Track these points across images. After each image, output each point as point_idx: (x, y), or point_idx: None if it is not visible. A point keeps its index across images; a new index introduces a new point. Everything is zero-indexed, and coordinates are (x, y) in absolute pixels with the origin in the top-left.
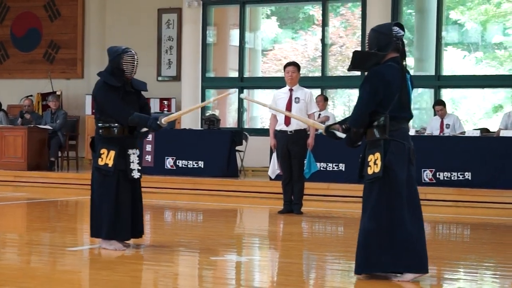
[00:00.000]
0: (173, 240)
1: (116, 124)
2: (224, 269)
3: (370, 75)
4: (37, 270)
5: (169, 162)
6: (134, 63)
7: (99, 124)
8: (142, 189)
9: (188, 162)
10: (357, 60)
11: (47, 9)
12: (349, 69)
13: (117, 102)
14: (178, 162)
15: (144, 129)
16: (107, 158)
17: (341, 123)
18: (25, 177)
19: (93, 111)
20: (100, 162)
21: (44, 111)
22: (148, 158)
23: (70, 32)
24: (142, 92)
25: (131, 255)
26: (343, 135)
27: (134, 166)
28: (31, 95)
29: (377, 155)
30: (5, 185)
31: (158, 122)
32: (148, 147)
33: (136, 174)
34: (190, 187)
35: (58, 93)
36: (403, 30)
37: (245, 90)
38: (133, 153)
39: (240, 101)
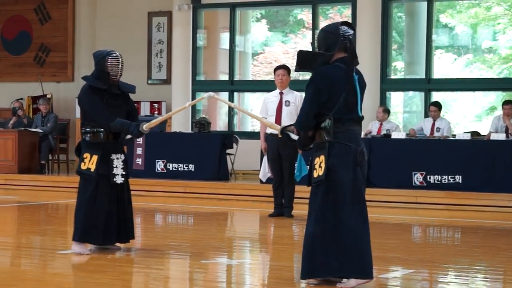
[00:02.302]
0: (164, 244)
1: (102, 129)
2: (215, 272)
3: (314, 76)
4: (27, 273)
5: (159, 165)
6: (119, 65)
7: (87, 129)
8: (132, 192)
9: (178, 165)
10: (303, 60)
11: (38, 12)
12: (296, 70)
13: (100, 107)
14: (169, 165)
15: (128, 136)
16: (90, 162)
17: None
18: (15, 180)
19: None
20: (83, 166)
21: (35, 114)
22: (139, 161)
23: (61, 35)
24: (131, 95)
25: (121, 258)
26: (296, 137)
27: (118, 171)
28: (21, 98)
29: (322, 157)
30: None
31: (140, 129)
32: (139, 150)
33: (119, 179)
34: (181, 190)
35: (48, 96)
36: (353, 30)
37: (235, 93)
38: (117, 158)
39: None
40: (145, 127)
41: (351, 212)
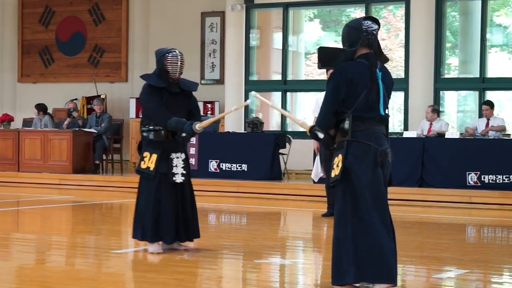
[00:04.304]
0: (217, 243)
1: (161, 128)
2: (268, 272)
3: (334, 72)
4: (82, 273)
5: (212, 165)
6: (178, 63)
7: (150, 127)
8: None
9: (231, 165)
10: (325, 57)
11: (92, 13)
12: (319, 67)
13: (157, 105)
14: (222, 165)
15: (183, 134)
16: (149, 161)
17: None
18: (70, 180)
19: (139, 114)
20: (142, 165)
21: (89, 114)
22: (192, 161)
23: (114, 36)
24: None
25: (175, 257)
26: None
27: (178, 170)
28: (76, 99)
29: (340, 157)
30: (51, 188)
31: (192, 127)
32: (192, 150)
33: (178, 178)
34: (234, 190)
35: (102, 96)
36: (378, 25)
37: (288, 93)
38: (177, 157)
39: (284, 104)
40: (198, 126)
41: (371, 213)
